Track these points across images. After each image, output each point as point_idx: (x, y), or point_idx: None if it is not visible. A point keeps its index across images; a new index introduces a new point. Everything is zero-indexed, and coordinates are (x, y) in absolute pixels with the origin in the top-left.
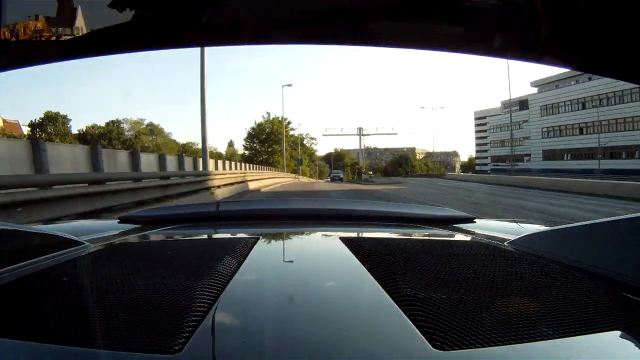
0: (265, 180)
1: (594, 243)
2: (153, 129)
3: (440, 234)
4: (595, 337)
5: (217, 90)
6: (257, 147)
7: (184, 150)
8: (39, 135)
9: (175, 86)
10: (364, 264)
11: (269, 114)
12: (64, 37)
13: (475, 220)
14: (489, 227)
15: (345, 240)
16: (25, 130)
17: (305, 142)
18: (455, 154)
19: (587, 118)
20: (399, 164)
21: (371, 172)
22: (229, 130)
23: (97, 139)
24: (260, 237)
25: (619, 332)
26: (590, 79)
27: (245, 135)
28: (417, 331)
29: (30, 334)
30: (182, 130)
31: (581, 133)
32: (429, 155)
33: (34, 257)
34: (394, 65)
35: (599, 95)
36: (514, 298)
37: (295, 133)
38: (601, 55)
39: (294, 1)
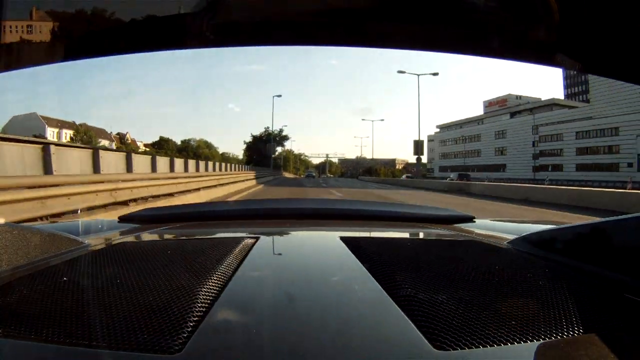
0: (285, 175)
1: (594, 243)
2: (208, 145)
3: (440, 234)
4: (595, 337)
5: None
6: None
7: (224, 158)
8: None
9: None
10: (364, 264)
11: (284, 146)
12: (65, 38)
13: (475, 219)
14: (488, 226)
15: (345, 239)
16: (142, 146)
17: (302, 156)
18: None
19: (459, 149)
20: (369, 172)
21: (330, 175)
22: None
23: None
24: (260, 236)
25: (618, 333)
26: (461, 127)
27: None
28: (418, 331)
29: (31, 334)
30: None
31: (455, 157)
32: (408, 164)
33: (34, 257)
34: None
35: (462, 137)
36: (514, 298)
37: (295, 150)
38: (601, 56)
39: (293, 3)
